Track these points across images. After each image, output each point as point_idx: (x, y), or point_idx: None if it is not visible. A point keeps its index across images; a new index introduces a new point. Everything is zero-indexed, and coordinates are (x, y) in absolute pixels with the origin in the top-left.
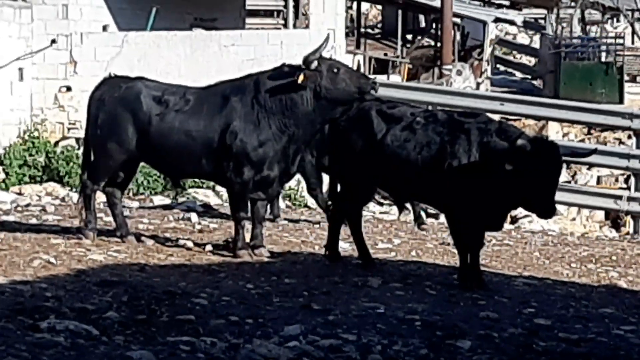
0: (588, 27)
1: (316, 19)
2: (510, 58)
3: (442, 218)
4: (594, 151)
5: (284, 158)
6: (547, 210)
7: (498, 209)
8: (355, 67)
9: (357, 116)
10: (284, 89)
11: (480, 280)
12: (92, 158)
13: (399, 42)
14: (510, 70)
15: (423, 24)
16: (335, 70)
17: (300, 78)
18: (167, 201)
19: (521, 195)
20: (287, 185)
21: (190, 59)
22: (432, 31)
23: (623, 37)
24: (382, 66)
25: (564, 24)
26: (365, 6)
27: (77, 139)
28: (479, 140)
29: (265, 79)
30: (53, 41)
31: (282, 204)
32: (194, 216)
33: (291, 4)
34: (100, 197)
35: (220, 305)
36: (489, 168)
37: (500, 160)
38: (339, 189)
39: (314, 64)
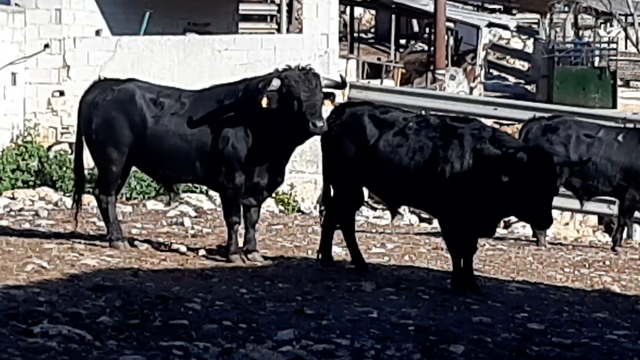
0: (581, 32)
1: (309, 23)
2: (504, 63)
3: (435, 223)
4: (588, 161)
5: (273, 165)
6: (543, 221)
7: (490, 215)
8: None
9: (349, 121)
10: None
11: (473, 285)
12: (96, 169)
13: (393, 47)
14: (503, 75)
15: (416, 29)
16: (290, 97)
17: (264, 102)
18: (160, 206)
19: (514, 204)
20: (279, 190)
21: (183, 64)
22: (426, 36)
23: (616, 42)
24: (375, 71)
25: (557, 29)
26: (358, 11)
27: (70, 144)
28: (472, 145)
29: (256, 86)
30: (46, 46)
31: (275, 208)
32: (187, 221)
33: (284, 8)
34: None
35: (213, 310)
36: (481, 174)
37: (494, 167)
38: (332, 193)
39: (277, 84)
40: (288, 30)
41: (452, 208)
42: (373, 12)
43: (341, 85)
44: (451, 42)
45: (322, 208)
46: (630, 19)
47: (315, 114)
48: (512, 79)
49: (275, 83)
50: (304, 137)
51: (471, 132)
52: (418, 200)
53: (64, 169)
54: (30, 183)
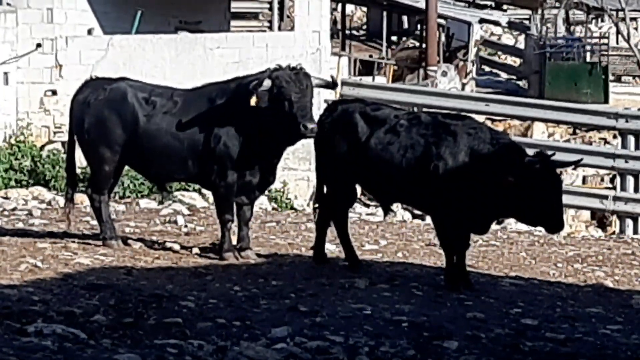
0: (572, 27)
1: (301, 21)
2: (495, 59)
3: (428, 219)
4: (579, 161)
5: (264, 164)
6: (555, 225)
7: (483, 213)
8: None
9: (341, 118)
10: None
11: (466, 281)
12: (89, 169)
13: (384, 44)
14: (495, 71)
15: (407, 26)
16: (282, 97)
17: (253, 100)
18: (154, 204)
19: (520, 208)
20: (272, 187)
21: (175, 62)
22: (417, 32)
23: (607, 37)
24: (367, 68)
25: (549, 25)
26: (350, 8)
27: (63, 143)
28: (465, 143)
29: (248, 85)
30: (38, 45)
31: (268, 206)
32: (180, 219)
33: (276, 6)
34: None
35: (207, 308)
36: (475, 171)
37: (487, 165)
38: (325, 191)
39: (267, 84)
40: (280, 28)
41: (444, 205)
42: (364, 9)
43: (332, 85)
44: (443, 38)
45: (316, 205)
46: (621, 14)
47: (306, 116)
48: (503, 75)
49: (267, 83)
50: (295, 139)
51: (463, 129)
52: (410, 198)
53: (57, 168)
54: (24, 182)
